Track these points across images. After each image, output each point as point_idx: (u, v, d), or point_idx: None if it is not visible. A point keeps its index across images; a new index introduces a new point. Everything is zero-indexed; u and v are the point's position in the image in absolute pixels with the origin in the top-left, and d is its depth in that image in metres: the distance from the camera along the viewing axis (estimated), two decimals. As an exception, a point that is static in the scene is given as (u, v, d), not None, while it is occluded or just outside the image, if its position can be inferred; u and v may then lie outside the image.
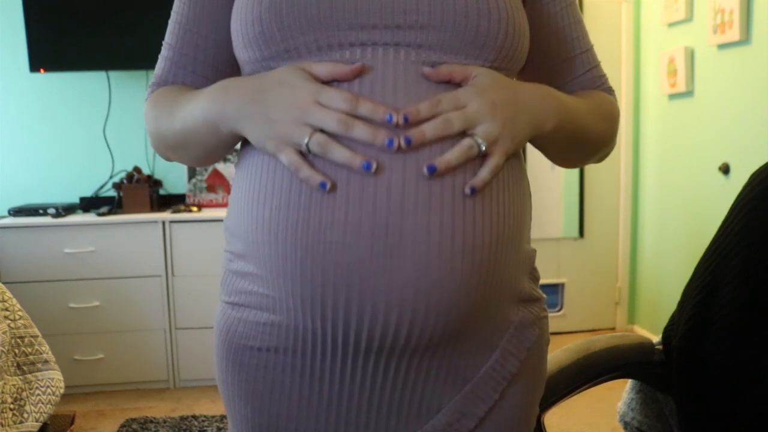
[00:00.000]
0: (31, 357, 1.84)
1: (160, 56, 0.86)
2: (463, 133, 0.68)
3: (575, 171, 3.56)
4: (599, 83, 0.88)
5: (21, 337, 1.83)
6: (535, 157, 3.61)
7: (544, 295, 0.83)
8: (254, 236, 0.71)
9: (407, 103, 0.67)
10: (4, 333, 1.73)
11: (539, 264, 0.84)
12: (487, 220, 0.69)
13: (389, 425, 0.75)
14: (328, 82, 0.68)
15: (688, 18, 2.91)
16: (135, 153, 3.25)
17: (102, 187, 3.23)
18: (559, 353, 1.10)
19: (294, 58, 0.70)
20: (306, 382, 0.74)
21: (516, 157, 0.76)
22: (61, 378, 1.88)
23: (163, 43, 0.86)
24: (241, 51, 0.75)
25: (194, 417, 2.61)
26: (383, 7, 0.68)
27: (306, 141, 0.66)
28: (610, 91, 0.89)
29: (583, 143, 0.82)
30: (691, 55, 2.91)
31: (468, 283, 0.68)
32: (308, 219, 0.67)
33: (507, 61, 0.74)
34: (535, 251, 0.83)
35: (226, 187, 3.16)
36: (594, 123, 0.81)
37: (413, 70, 0.69)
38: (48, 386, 1.82)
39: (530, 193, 0.80)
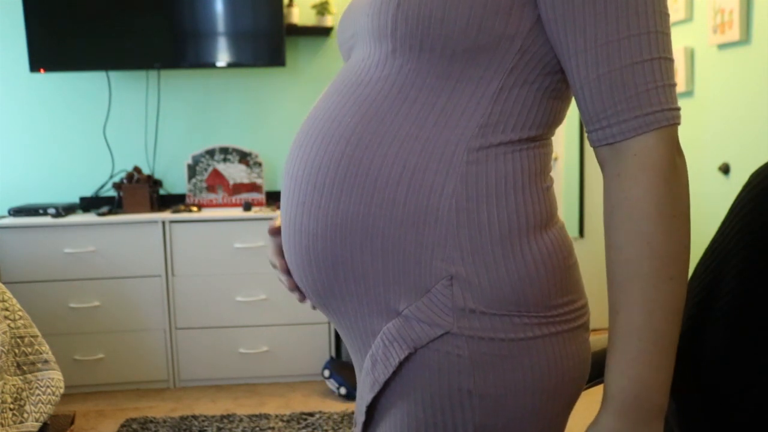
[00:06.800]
0: (31, 357, 1.84)
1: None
2: None
3: (575, 170, 3.56)
4: (615, 157, 0.65)
5: (21, 337, 1.83)
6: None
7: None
8: None
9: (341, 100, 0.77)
10: (4, 333, 1.73)
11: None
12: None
13: (360, 346, 0.80)
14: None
15: (688, 18, 2.91)
16: (135, 153, 3.25)
17: (102, 187, 3.23)
18: (559, 353, 1.10)
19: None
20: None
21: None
22: (61, 378, 1.88)
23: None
24: None
25: (194, 417, 2.61)
26: (349, 21, 0.84)
27: None
28: (643, 166, 0.63)
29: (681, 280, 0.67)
30: (691, 55, 2.91)
31: (309, 263, 0.78)
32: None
33: (414, 51, 0.70)
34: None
35: (226, 187, 3.16)
36: (674, 275, 0.66)
37: (354, 73, 0.78)
38: (48, 386, 1.82)
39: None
